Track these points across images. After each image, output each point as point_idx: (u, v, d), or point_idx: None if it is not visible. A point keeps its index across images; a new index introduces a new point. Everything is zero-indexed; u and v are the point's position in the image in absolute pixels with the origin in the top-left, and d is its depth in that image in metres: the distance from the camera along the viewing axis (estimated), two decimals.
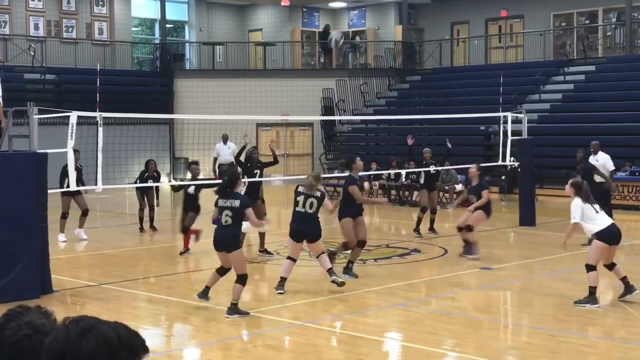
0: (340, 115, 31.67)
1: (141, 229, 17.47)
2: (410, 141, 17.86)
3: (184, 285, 12.53)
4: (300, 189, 11.24)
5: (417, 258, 14.13)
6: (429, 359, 8.26)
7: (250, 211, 9.72)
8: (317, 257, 11.39)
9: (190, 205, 14.57)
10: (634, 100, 26.04)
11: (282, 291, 11.08)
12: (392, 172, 23.35)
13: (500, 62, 32.84)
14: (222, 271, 10.11)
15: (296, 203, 11.23)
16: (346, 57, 35.75)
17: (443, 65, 34.64)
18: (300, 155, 32.77)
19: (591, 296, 10.37)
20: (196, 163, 15.33)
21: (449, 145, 17.52)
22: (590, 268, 10.37)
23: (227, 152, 23.86)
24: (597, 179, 15.48)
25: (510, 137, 18.46)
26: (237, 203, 9.63)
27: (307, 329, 9.27)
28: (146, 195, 17.58)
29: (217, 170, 23.35)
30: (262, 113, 29.71)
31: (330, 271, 11.16)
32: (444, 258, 14.17)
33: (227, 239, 9.66)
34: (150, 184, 17.01)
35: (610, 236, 10.36)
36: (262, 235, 14.49)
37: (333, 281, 11.07)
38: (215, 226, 9.96)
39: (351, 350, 8.74)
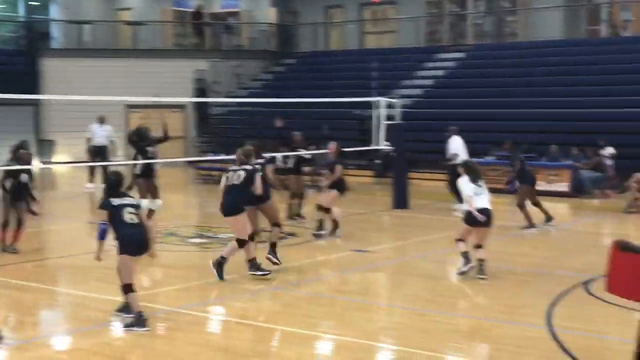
0: (213, 97, 31.31)
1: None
2: (279, 124, 17.83)
3: (50, 271, 12.06)
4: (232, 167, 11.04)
5: (291, 242, 14.08)
6: (304, 342, 8.23)
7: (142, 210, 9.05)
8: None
9: (20, 196, 12.95)
10: (502, 87, 26.91)
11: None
12: (268, 155, 23.17)
13: (374, 47, 33.25)
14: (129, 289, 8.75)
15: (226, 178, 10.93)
16: (220, 39, 35.36)
17: (318, 48, 34.76)
18: (172, 138, 32.18)
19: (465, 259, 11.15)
20: (24, 147, 13.56)
21: (326, 130, 17.64)
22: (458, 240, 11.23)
23: (101, 134, 23.17)
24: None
25: (384, 122, 18.67)
26: (134, 200, 8.97)
27: (180, 315, 9.07)
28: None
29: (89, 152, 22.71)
30: (133, 94, 28.95)
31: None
32: (318, 241, 14.18)
33: (146, 238, 8.71)
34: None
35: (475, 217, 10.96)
36: (150, 213, 14.14)
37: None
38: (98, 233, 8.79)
39: (226, 335, 8.61)
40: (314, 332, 8.57)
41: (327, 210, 14.28)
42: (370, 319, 9.29)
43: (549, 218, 15.84)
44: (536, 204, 15.94)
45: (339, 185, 14.37)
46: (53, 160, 30.20)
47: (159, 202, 14.58)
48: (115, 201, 8.65)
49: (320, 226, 14.37)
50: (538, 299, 9.79)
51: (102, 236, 8.65)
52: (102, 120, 23.10)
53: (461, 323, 9.16)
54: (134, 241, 8.56)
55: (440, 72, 29.68)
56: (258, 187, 10.83)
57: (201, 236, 14.72)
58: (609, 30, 30.63)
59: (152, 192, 14.50)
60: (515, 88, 26.59)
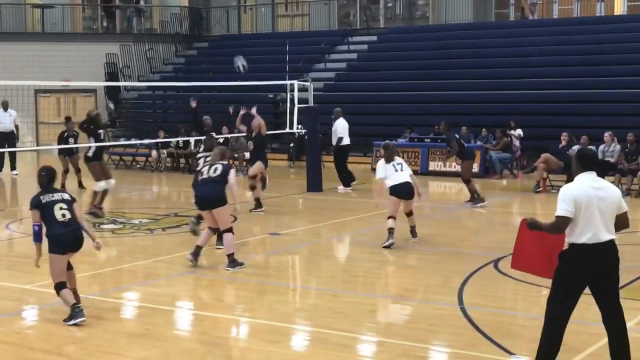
0: (125, 81, 30.81)
1: None
2: (193, 104, 17.78)
3: None
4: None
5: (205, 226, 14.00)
6: (220, 325, 8.23)
7: (76, 205, 8.61)
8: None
9: None
10: (413, 70, 27.27)
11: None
12: (181, 139, 23.02)
13: (287, 31, 33.22)
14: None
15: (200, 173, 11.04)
16: (131, 22, 34.76)
17: (231, 32, 34.53)
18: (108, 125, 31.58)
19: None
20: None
21: (230, 111, 17.67)
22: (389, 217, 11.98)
23: (7, 120, 22.56)
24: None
25: (297, 105, 18.72)
26: (66, 195, 8.57)
27: (94, 302, 8.95)
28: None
29: None
30: (42, 79, 28.25)
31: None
32: (233, 224, 14.15)
33: (78, 235, 8.45)
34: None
35: (397, 191, 12.04)
36: (104, 194, 14.85)
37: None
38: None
39: (137, 320, 8.54)
40: (230, 315, 8.58)
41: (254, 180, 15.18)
42: (284, 301, 9.35)
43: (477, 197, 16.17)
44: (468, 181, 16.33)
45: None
46: None
47: (112, 181, 15.13)
48: (46, 197, 8.33)
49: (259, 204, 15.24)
50: (450, 277, 10.01)
51: (37, 238, 8.23)
52: (6, 106, 22.49)
53: (375, 303, 9.30)
54: (64, 240, 8.26)
55: (352, 56, 29.87)
56: (234, 184, 10.88)
57: (114, 222, 14.52)
58: (516, 14, 31.36)
59: (105, 173, 15.07)
60: (426, 71, 26.99)
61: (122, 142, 25.01)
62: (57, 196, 8.38)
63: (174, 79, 30.85)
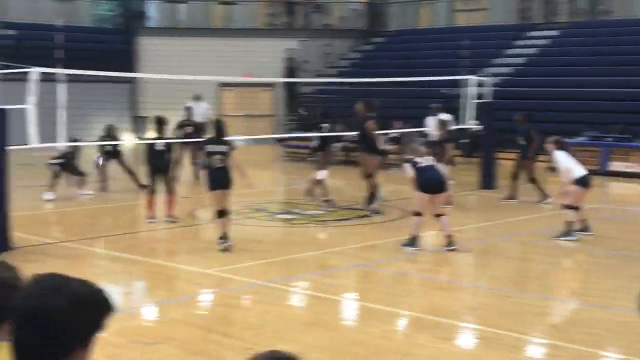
0: (303, 76, 31.52)
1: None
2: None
3: (144, 244, 12.49)
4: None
5: (378, 220, 14.19)
6: (387, 318, 8.34)
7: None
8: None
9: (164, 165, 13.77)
10: (596, 66, 26.27)
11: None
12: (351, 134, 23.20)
13: (464, 25, 32.87)
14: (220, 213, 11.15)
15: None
16: (310, 18, 35.49)
17: (408, 27, 34.57)
18: (262, 116, 32.64)
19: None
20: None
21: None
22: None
23: (199, 112, 23.60)
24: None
25: (473, 101, 18.53)
26: (225, 147, 11.15)
27: (267, 289, 9.30)
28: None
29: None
30: (224, 73, 29.42)
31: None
32: (403, 220, 14.24)
33: (227, 178, 11.03)
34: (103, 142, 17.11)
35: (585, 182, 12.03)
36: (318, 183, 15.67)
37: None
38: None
39: (310, 309, 8.79)
40: (397, 309, 8.67)
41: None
42: (454, 299, 9.34)
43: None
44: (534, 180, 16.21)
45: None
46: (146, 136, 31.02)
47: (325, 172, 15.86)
48: (209, 148, 11.07)
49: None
50: (628, 282, 9.64)
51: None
52: (198, 98, 23.52)
53: (549, 305, 9.12)
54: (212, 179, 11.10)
55: (532, 51, 29.15)
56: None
57: (288, 212, 14.96)
58: None
59: (328, 163, 16.14)
60: (610, 67, 25.92)
61: (298, 134, 25.62)
62: (218, 147, 11.23)
63: (350, 74, 31.23)
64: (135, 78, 30.66)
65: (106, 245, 12.00)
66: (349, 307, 9.07)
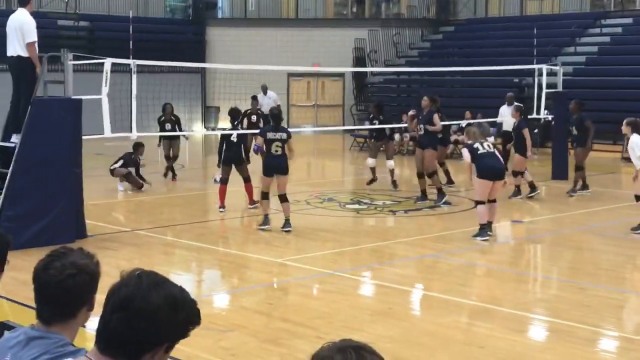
0: (372, 66, 31.44)
1: (165, 175, 17.71)
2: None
3: (215, 233, 12.65)
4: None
5: (446, 210, 14.10)
6: (457, 310, 8.29)
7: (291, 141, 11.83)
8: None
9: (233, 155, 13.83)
10: None
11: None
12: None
13: (535, 14, 32.34)
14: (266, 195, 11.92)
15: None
16: (379, 7, 35.37)
17: (477, 15, 34.17)
18: (331, 106, 32.68)
19: None
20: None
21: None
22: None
23: (266, 102, 23.79)
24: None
25: (544, 90, 18.23)
26: (284, 135, 11.74)
27: (337, 278, 9.33)
28: (170, 145, 17.68)
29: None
30: (294, 63, 29.54)
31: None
32: (473, 211, 14.12)
33: (283, 165, 11.64)
34: (171, 132, 17.18)
35: None
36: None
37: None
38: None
39: (380, 299, 8.79)
40: (468, 300, 8.62)
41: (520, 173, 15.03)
42: (527, 291, 9.23)
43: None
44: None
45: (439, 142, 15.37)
46: (218, 126, 31.38)
47: (391, 162, 16.25)
48: (269, 135, 11.73)
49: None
50: None
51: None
52: (265, 89, 23.67)
53: (623, 298, 8.94)
54: (268, 165, 11.83)
55: (605, 39, 28.53)
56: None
57: (359, 202, 14.97)
58: None
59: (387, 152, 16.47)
60: None
61: (366, 125, 25.58)
62: (277, 135, 11.88)
63: (419, 64, 31.05)
64: (205, 69, 31.00)
65: (178, 233, 12.19)
66: (419, 297, 9.04)
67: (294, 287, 9.25)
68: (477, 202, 11.58)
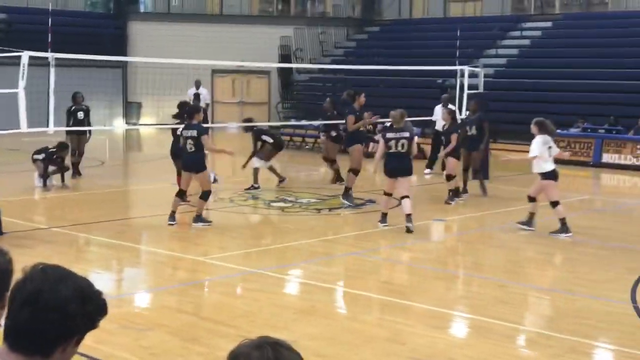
0: (297, 64, 31.42)
1: (74, 175, 16.83)
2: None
3: (136, 230, 12.42)
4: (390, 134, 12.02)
5: (370, 209, 14.14)
6: (380, 307, 8.31)
7: (206, 137, 11.77)
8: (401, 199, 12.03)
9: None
10: (589, 58, 26.26)
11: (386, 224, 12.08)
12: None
13: (458, 16, 32.82)
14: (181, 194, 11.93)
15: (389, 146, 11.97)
16: (305, 6, 35.36)
17: (402, 16, 34.48)
18: (256, 103, 32.53)
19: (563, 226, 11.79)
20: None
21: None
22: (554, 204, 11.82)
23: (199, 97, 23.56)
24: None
25: (466, 91, 18.48)
26: (195, 132, 11.57)
27: (260, 276, 9.25)
28: (79, 139, 16.94)
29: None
30: (218, 59, 29.28)
31: (408, 217, 11.82)
32: (397, 209, 14.20)
33: (196, 162, 11.58)
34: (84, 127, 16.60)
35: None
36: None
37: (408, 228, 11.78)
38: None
39: (303, 297, 8.75)
40: (391, 298, 8.64)
41: (450, 177, 14.90)
42: (449, 288, 9.31)
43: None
44: None
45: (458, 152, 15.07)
46: (140, 122, 30.91)
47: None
48: (184, 132, 11.42)
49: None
50: (622, 274, 9.62)
51: None
52: (198, 85, 23.37)
53: (542, 295, 9.10)
54: (184, 163, 12.08)
55: (525, 42, 29.12)
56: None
57: (284, 200, 14.90)
58: None
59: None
60: (602, 59, 25.92)
61: (292, 122, 25.55)
62: (189, 132, 11.86)
63: (344, 63, 31.15)
64: (126, 63, 30.47)
65: (97, 231, 11.91)
66: (343, 295, 9.02)
67: (216, 286, 9.13)
68: (385, 193, 12.24)
